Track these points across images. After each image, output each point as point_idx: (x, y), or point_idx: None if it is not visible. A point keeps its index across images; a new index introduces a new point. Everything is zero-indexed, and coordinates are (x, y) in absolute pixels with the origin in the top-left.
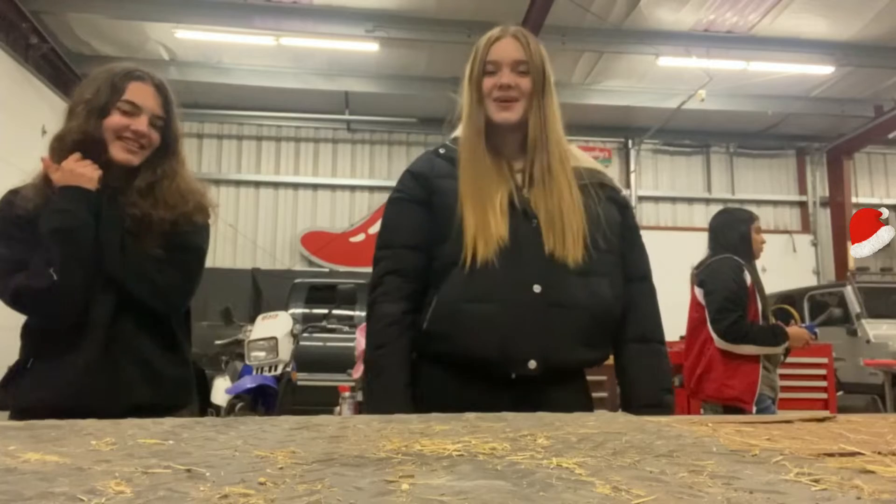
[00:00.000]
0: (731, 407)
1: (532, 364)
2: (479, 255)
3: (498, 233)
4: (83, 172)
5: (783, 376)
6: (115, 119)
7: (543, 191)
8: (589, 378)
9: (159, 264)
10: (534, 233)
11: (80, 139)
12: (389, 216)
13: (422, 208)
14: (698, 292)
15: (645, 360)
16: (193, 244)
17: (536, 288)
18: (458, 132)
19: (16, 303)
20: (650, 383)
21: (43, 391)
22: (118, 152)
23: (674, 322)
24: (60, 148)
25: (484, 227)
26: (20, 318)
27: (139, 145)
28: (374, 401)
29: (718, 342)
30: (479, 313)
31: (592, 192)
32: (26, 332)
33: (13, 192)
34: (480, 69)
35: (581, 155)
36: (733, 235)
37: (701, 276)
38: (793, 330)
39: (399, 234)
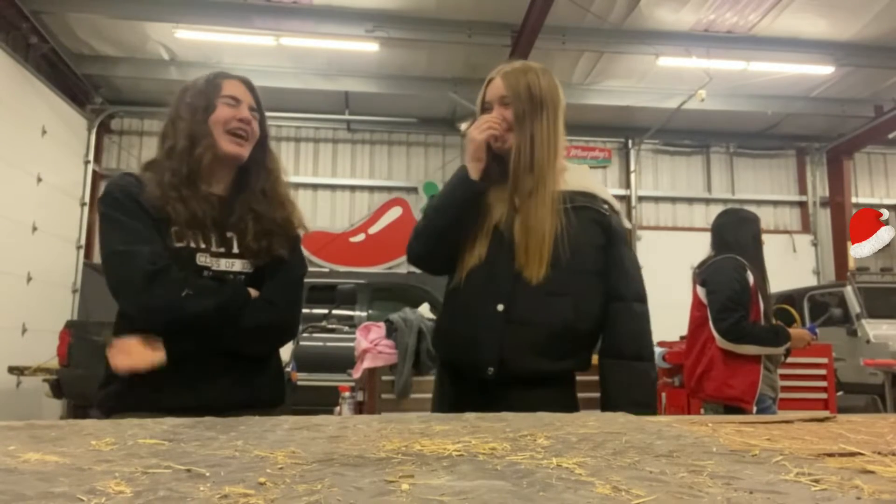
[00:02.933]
0: (732, 407)
1: (490, 370)
2: (462, 274)
3: (478, 253)
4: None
5: (783, 376)
6: (221, 112)
7: (524, 215)
8: (589, 378)
9: (274, 324)
10: (508, 255)
11: (188, 141)
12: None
13: None
14: (700, 291)
15: (616, 376)
16: (300, 271)
17: (500, 307)
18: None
19: (149, 276)
20: (620, 398)
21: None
22: (228, 146)
23: (674, 321)
24: (170, 158)
25: (470, 249)
26: (19, 319)
27: (246, 134)
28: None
29: (720, 342)
30: (454, 325)
31: (573, 215)
32: (127, 325)
33: (134, 177)
34: (480, 107)
35: (577, 177)
36: (744, 235)
37: (703, 275)
38: (795, 331)
39: None
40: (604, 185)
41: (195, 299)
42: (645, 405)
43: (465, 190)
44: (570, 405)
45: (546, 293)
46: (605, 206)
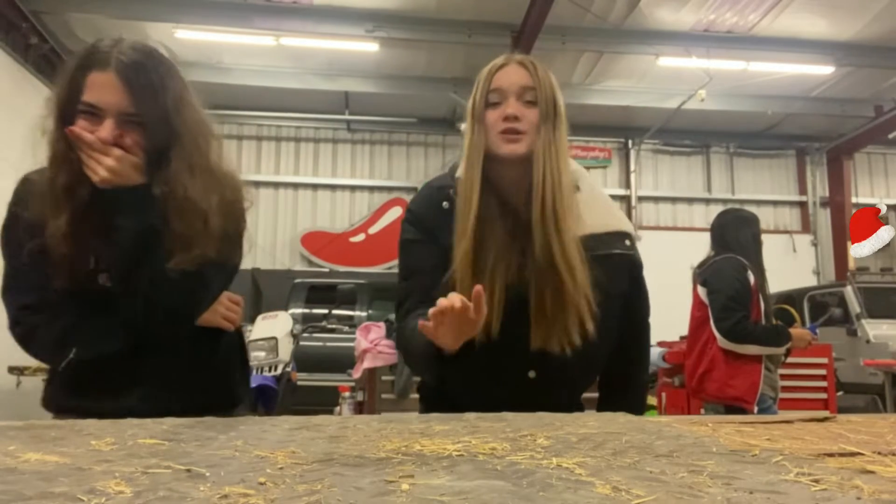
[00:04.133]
0: (733, 407)
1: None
2: (474, 339)
3: (492, 321)
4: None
5: (783, 376)
6: (78, 125)
7: (547, 275)
8: None
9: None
10: (526, 324)
11: (49, 157)
12: (407, 259)
13: (434, 247)
14: (701, 291)
15: (625, 400)
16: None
17: (531, 374)
18: (461, 171)
19: (19, 339)
20: (624, 406)
21: (75, 397)
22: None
23: (674, 322)
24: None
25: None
26: None
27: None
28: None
29: (721, 342)
30: (476, 386)
31: (610, 266)
32: None
33: (26, 183)
34: (483, 100)
35: (600, 207)
36: (745, 235)
37: (704, 275)
38: (796, 331)
39: (422, 277)
40: (604, 187)
41: (67, 355)
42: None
43: (430, 368)
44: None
45: (580, 354)
46: (628, 242)
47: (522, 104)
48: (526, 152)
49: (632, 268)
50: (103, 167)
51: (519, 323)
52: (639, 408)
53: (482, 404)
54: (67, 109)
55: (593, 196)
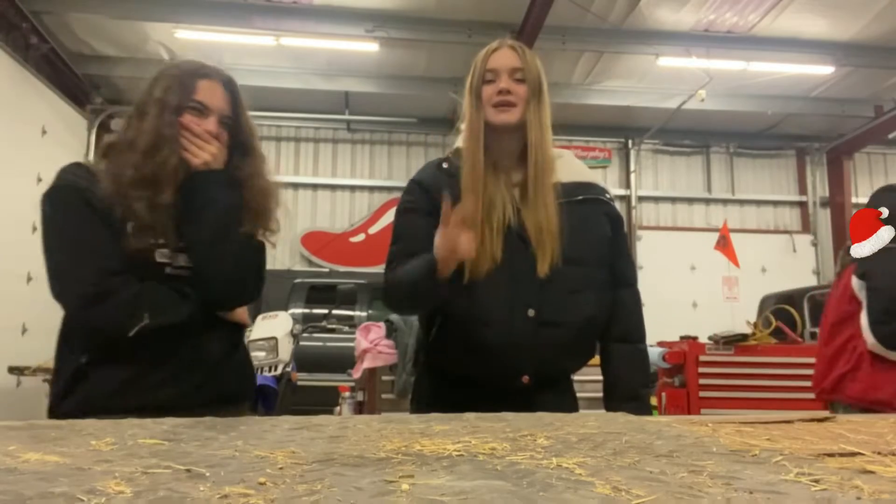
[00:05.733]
0: (871, 409)
1: (525, 379)
2: (476, 276)
3: (492, 255)
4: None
5: (782, 376)
6: (185, 119)
7: (537, 211)
8: (588, 378)
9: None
10: (528, 257)
11: (153, 141)
12: (402, 225)
13: (430, 219)
14: (856, 283)
15: (626, 359)
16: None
17: (530, 312)
18: (460, 142)
19: (92, 301)
20: (630, 379)
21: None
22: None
23: (674, 321)
24: (132, 151)
25: (480, 250)
26: (19, 319)
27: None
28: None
29: (873, 346)
30: (478, 335)
31: (583, 209)
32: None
33: (86, 168)
34: (480, 78)
35: (577, 167)
36: None
37: (865, 265)
38: None
39: (413, 242)
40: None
41: (141, 319)
42: (645, 385)
43: (428, 289)
44: (574, 401)
45: (570, 291)
46: (607, 195)
47: (513, 81)
48: (517, 122)
49: (614, 219)
50: (206, 152)
51: (521, 258)
52: (648, 381)
53: (484, 358)
54: (178, 108)
55: (572, 161)
